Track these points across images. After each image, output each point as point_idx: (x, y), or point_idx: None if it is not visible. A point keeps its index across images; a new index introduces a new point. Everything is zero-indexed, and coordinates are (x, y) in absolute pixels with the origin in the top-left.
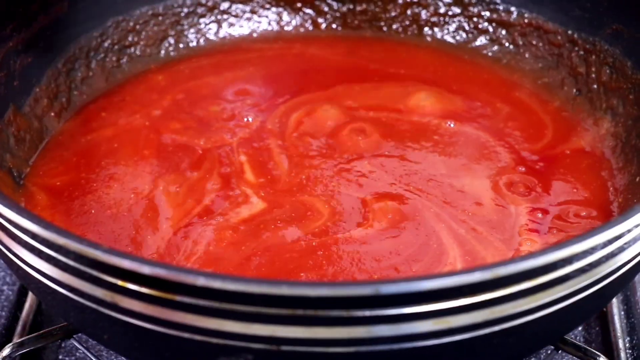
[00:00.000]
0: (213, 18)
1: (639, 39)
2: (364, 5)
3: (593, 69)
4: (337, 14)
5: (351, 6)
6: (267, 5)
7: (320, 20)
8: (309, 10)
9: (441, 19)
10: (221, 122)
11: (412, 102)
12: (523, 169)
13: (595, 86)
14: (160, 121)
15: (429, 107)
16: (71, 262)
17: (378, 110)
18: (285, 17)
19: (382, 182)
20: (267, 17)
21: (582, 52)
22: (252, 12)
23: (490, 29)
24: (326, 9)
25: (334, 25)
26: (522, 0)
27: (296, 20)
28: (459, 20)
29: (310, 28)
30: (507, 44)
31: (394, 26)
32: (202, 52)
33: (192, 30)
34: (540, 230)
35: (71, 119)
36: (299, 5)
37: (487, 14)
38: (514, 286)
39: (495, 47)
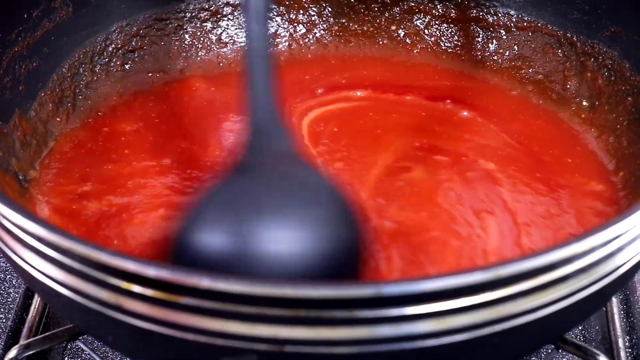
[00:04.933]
0: (215, 24)
1: (637, 41)
2: (358, 23)
3: (591, 72)
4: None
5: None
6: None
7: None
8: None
9: (437, 22)
10: (230, 125)
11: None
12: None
13: (592, 88)
14: (166, 125)
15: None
16: (76, 265)
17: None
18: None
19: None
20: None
21: (580, 55)
22: None
23: (489, 34)
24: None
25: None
26: (521, 4)
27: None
28: (456, 26)
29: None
30: (506, 48)
31: (387, 39)
32: (207, 57)
33: (196, 35)
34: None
35: (76, 124)
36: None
37: (487, 17)
38: (515, 286)
39: (494, 52)
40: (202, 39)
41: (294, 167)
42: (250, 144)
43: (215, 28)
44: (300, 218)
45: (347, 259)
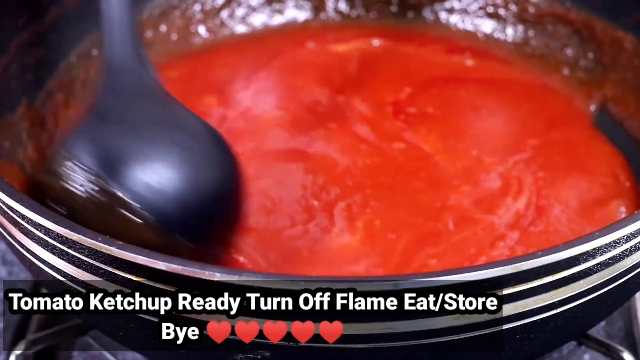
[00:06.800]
0: (229, 11)
1: None
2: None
3: (613, 61)
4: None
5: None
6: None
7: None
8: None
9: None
10: (244, 117)
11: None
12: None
13: (613, 77)
14: None
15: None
16: (85, 258)
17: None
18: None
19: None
20: (282, 11)
21: (603, 43)
22: (268, 2)
23: (505, 16)
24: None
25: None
26: None
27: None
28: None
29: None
30: (523, 33)
31: (410, 14)
32: (217, 45)
33: (207, 22)
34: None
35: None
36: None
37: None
38: (536, 280)
39: (511, 35)
40: (214, 26)
41: (156, 104)
42: (106, 84)
43: (228, 16)
44: (166, 159)
45: (221, 198)
